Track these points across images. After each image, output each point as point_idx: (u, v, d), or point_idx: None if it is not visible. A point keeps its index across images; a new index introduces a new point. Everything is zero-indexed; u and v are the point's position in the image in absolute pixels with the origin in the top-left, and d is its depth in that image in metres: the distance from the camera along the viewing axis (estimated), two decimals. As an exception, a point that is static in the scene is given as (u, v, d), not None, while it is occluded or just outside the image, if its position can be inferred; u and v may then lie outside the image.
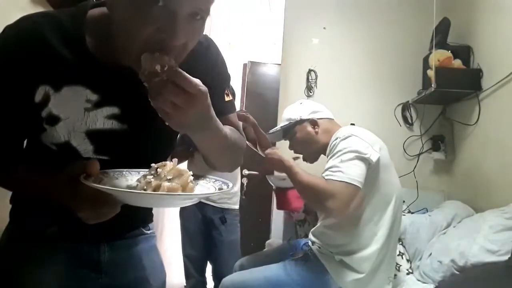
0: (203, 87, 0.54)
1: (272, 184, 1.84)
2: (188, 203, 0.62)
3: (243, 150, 0.86)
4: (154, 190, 0.54)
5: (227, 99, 0.83)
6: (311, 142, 1.68)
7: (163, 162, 0.59)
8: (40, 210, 0.75)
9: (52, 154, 0.71)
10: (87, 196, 0.57)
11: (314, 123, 1.68)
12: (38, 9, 1.22)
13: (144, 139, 0.76)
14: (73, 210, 0.59)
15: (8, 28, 0.66)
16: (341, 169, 1.37)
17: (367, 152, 1.41)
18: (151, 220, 0.92)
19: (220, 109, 0.80)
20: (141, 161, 0.72)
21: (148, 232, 0.91)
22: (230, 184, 0.64)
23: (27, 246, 0.76)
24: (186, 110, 0.53)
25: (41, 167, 0.70)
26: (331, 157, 1.45)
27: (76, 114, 0.69)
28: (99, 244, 0.80)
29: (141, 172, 0.64)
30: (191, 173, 0.58)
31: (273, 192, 1.89)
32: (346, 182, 1.34)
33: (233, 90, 2.85)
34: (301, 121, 1.69)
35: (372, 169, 1.44)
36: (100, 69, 0.68)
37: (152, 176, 0.56)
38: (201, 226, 2.40)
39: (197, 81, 0.54)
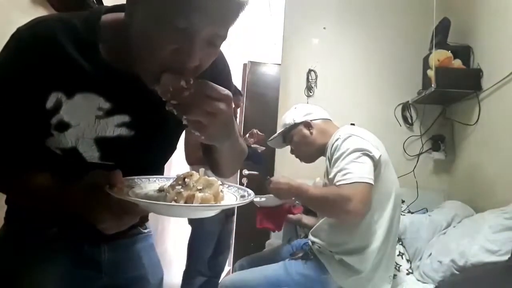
0: (228, 91, 0.57)
1: (257, 204, 1.87)
2: (216, 211, 0.62)
3: (246, 155, 0.89)
4: (186, 201, 0.54)
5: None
6: (307, 144, 1.70)
7: (190, 171, 0.58)
8: (39, 212, 0.74)
9: (55, 158, 0.70)
10: (109, 206, 0.56)
11: (308, 125, 1.70)
12: (38, 9, 1.22)
13: (149, 145, 0.77)
14: (92, 221, 0.58)
15: (22, 30, 0.64)
16: (349, 171, 1.37)
17: (370, 149, 1.42)
18: (147, 219, 0.93)
19: None
20: (143, 165, 0.73)
21: (146, 231, 0.91)
22: (250, 192, 0.64)
23: (27, 248, 0.75)
24: (218, 116, 0.56)
25: (48, 176, 0.67)
26: (336, 160, 1.44)
27: (87, 122, 0.68)
28: (99, 244, 0.80)
29: (151, 179, 0.65)
30: (220, 182, 0.58)
31: (256, 212, 1.92)
32: (357, 182, 1.34)
33: (238, 90, 2.88)
34: (296, 125, 1.72)
35: (375, 166, 1.44)
36: (113, 77, 0.67)
37: (180, 187, 0.55)
38: (220, 224, 2.56)
39: (220, 87, 0.57)
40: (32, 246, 0.75)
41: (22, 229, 0.77)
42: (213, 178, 0.58)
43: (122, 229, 0.60)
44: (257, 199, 1.85)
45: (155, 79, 0.57)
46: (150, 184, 0.65)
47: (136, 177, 0.65)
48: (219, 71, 0.80)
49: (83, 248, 0.78)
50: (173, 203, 0.54)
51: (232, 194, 0.64)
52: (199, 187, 0.55)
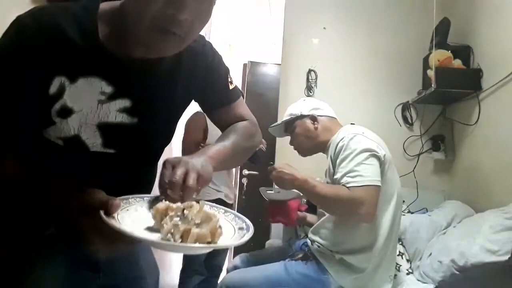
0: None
1: (265, 198, 1.83)
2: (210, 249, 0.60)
3: (256, 135, 0.91)
4: (182, 236, 0.52)
5: (231, 87, 0.88)
6: (309, 138, 1.70)
7: (189, 202, 0.57)
8: (36, 211, 0.72)
9: (55, 150, 0.69)
10: (102, 231, 0.54)
11: (313, 119, 1.70)
12: (38, 9, 1.22)
13: (149, 132, 0.78)
14: (83, 242, 0.56)
15: (22, 17, 0.65)
16: (359, 173, 1.36)
17: (377, 149, 1.42)
18: None
19: (225, 99, 0.88)
20: (144, 153, 0.75)
21: None
22: (249, 223, 0.61)
23: (24, 248, 0.75)
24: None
25: (52, 181, 0.65)
26: (343, 159, 1.43)
27: (89, 107, 0.69)
28: None
29: (145, 198, 0.63)
30: (218, 217, 0.56)
31: (268, 205, 1.85)
32: (368, 185, 1.34)
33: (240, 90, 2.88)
34: (301, 117, 1.72)
35: (381, 166, 1.44)
36: (114, 61, 0.69)
37: (179, 219, 0.54)
38: None
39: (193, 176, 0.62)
40: (29, 246, 0.75)
41: (19, 229, 0.75)
42: (212, 212, 0.56)
43: (115, 254, 0.57)
44: (269, 192, 1.82)
45: (149, 40, 0.61)
46: (145, 204, 0.62)
47: (130, 196, 0.62)
48: (209, 60, 0.84)
49: (80, 248, 0.78)
50: (168, 242, 0.52)
51: (230, 223, 0.62)
52: (197, 221, 0.54)
